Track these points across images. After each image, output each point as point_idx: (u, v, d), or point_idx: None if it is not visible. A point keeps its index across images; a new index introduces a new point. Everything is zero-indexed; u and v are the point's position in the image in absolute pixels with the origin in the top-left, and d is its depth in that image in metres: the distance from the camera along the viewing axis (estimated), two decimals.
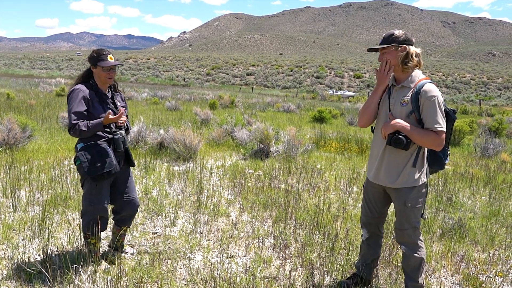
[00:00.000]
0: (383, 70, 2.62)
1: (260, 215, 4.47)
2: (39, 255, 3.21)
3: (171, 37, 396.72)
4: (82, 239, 3.47)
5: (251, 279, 2.97)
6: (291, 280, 3.04)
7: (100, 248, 3.17)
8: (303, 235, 3.92)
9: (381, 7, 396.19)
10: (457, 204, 5.20)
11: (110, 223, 3.44)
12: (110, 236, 3.51)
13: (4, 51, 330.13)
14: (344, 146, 9.17)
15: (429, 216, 4.58)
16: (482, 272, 3.40)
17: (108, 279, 2.75)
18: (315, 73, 74.59)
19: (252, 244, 3.72)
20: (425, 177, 2.65)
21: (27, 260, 3.11)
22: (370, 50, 2.71)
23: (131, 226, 3.95)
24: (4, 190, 4.69)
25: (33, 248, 3.36)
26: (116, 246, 3.31)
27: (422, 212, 2.69)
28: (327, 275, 3.11)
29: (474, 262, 3.57)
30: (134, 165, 3.28)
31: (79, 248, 3.26)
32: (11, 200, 4.33)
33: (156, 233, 3.89)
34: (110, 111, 2.94)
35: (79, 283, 2.63)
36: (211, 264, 3.25)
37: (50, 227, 3.72)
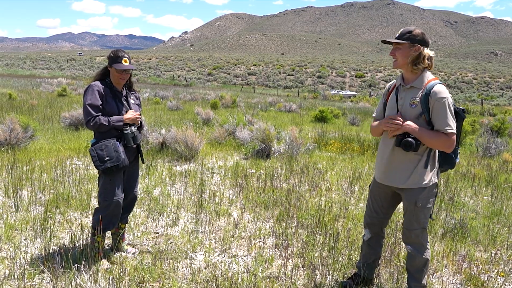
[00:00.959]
0: (392, 127, 2.56)
1: (262, 215, 4.47)
2: (41, 254, 3.22)
3: (172, 37, 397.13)
4: (84, 238, 3.48)
5: (252, 279, 2.98)
6: (292, 280, 3.04)
7: (102, 248, 3.18)
8: (305, 234, 3.92)
9: (382, 6, 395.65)
10: (459, 204, 5.19)
11: None
12: (111, 237, 3.52)
13: (6, 51, 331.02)
14: (345, 146, 9.16)
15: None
16: (484, 272, 3.39)
17: (110, 278, 2.75)
18: (317, 72, 74.56)
19: (254, 243, 3.72)
20: (436, 177, 2.63)
21: (29, 260, 3.13)
22: (384, 42, 2.63)
23: (132, 226, 3.96)
24: (6, 190, 4.71)
25: (35, 248, 3.37)
26: (117, 247, 3.34)
27: (430, 212, 2.69)
28: (329, 275, 3.11)
29: (476, 262, 3.57)
30: (144, 162, 3.44)
31: (81, 248, 3.27)
32: (13, 200, 4.35)
33: (157, 233, 3.90)
34: (133, 111, 3.19)
35: (81, 283, 2.63)
36: (213, 264, 3.25)
37: (52, 227, 3.73)
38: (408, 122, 2.51)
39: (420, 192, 2.57)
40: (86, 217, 4.15)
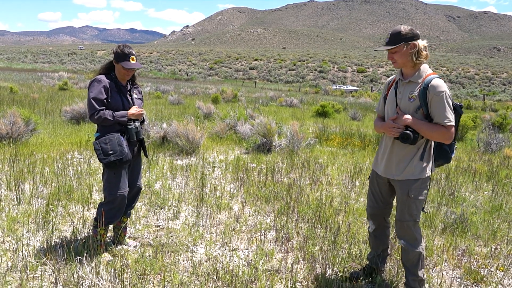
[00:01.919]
0: (393, 131, 2.60)
1: (263, 209, 4.49)
2: (43, 247, 3.25)
3: (174, 31, 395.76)
4: (86, 231, 3.50)
5: (253, 272, 2.99)
6: (293, 273, 3.06)
7: (104, 241, 3.20)
8: (305, 228, 3.94)
9: (385, 1, 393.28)
10: (460, 199, 5.20)
11: None
12: (112, 230, 3.54)
13: (7, 45, 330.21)
14: (346, 140, 9.15)
15: (431, 211, 4.59)
16: (484, 266, 3.40)
17: (112, 271, 2.78)
18: (318, 67, 74.35)
19: (255, 237, 3.73)
20: (430, 170, 2.67)
21: (31, 252, 3.15)
22: (378, 50, 2.71)
23: (133, 219, 3.98)
24: (8, 183, 4.73)
25: (37, 240, 3.39)
26: (119, 240, 3.37)
27: (423, 206, 2.72)
28: (329, 268, 3.13)
29: (475, 256, 3.58)
30: (147, 156, 3.49)
31: (83, 241, 3.29)
32: (15, 193, 4.37)
33: (159, 226, 3.92)
34: (137, 106, 3.20)
35: (83, 275, 2.66)
36: (214, 257, 3.27)
37: (54, 220, 3.75)
38: (408, 116, 2.55)
39: (413, 183, 2.62)
40: (87, 211, 4.17)
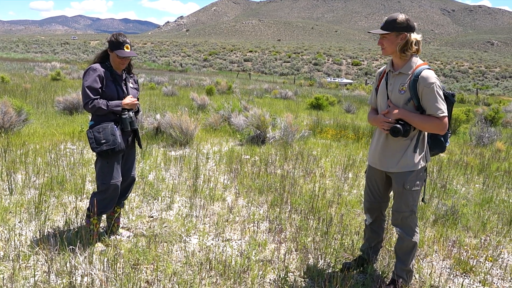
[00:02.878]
0: (384, 125, 2.62)
1: (256, 200, 4.51)
2: (36, 237, 3.24)
3: (168, 22, 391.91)
4: (79, 221, 3.50)
5: (246, 262, 3.02)
6: (285, 263, 3.09)
7: (97, 231, 3.20)
8: (298, 219, 3.97)
9: None
10: (451, 191, 5.26)
11: None
12: (106, 220, 3.54)
13: None
14: (340, 133, 9.19)
15: (421, 203, 4.63)
16: (473, 256, 3.46)
17: (105, 260, 2.78)
18: (313, 60, 74.25)
19: (248, 228, 3.76)
20: (425, 161, 2.68)
21: (24, 242, 3.14)
22: (370, 33, 2.70)
23: (127, 210, 3.98)
24: (0, 173, 4.69)
25: (29, 230, 3.38)
26: (112, 230, 3.37)
27: (423, 196, 2.77)
28: (321, 259, 3.16)
29: (465, 247, 3.63)
30: (141, 147, 3.48)
31: (76, 230, 3.29)
32: (7, 183, 4.34)
33: (152, 217, 3.92)
34: (131, 96, 3.17)
35: (76, 264, 2.66)
36: (207, 247, 3.29)
37: (46, 210, 3.73)
38: (397, 110, 2.56)
39: (408, 175, 2.63)
40: (80, 201, 4.16)
